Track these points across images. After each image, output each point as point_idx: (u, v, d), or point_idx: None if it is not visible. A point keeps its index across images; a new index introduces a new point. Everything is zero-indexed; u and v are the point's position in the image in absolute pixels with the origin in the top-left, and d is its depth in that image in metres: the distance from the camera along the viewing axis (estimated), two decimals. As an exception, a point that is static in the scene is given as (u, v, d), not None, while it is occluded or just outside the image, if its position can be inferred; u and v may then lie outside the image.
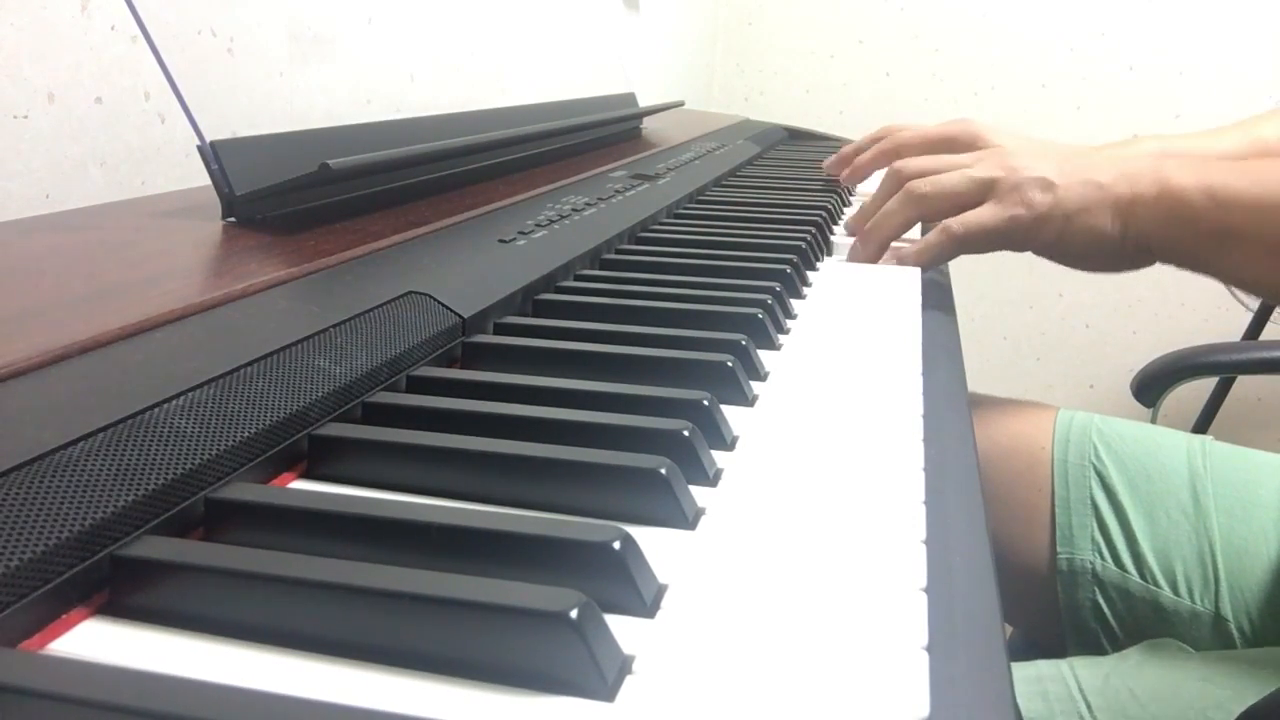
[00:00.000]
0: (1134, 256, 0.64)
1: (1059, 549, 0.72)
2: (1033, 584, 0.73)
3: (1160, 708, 0.58)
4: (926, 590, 0.27)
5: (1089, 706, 0.59)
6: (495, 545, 0.26)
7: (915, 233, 0.79)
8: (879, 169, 0.87)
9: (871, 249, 0.69)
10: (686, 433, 0.33)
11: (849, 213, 0.88)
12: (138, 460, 0.27)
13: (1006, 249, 0.66)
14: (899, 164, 0.70)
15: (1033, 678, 0.62)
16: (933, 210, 0.67)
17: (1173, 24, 2.16)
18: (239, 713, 0.20)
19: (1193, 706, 0.57)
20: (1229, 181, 0.59)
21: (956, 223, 0.64)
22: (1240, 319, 1.93)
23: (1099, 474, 0.72)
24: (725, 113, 1.65)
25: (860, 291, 0.61)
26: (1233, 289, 0.71)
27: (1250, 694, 0.55)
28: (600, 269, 0.61)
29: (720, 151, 1.10)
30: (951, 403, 0.43)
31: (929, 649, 0.24)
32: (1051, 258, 0.67)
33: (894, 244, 0.69)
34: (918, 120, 0.91)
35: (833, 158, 0.96)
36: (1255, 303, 1.85)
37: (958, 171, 0.66)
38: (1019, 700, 0.59)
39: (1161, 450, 0.73)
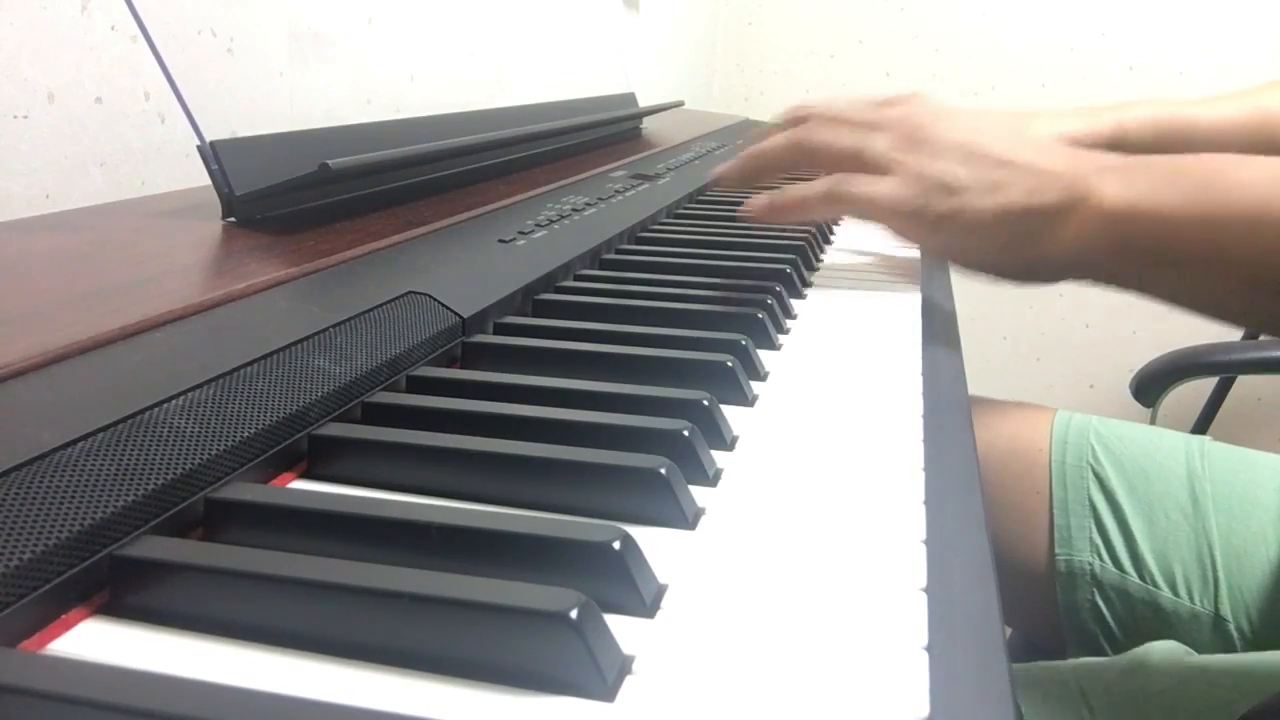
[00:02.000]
0: (1045, 272, 0.56)
1: (1057, 550, 0.72)
2: (1031, 586, 0.73)
3: (1162, 710, 0.58)
4: (926, 590, 0.27)
5: (1090, 709, 0.59)
6: (495, 545, 0.26)
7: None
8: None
9: (732, 178, 0.65)
10: (686, 433, 0.33)
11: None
12: (138, 460, 0.27)
13: (896, 234, 0.59)
14: (798, 108, 0.66)
15: (1034, 680, 0.62)
16: (812, 162, 0.61)
17: (1173, 24, 2.16)
18: (239, 713, 0.20)
19: (1194, 709, 0.57)
20: (1163, 198, 0.50)
21: (851, 181, 0.58)
22: (1240, 319, 1.93)
23: (1097, 475, 0.72)
24: (725, 113, 1.65)
25: (860, 291, 0.61)
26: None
27: (1252, 696, 0.55)
28: (600, 269, 0.61)
29: (720, 151, 1.10)
30: (951, 403, 0.43)
31: (929, 649, 0.24)
32: (940, 258, 0.63)
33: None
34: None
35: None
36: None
37: (852, 133, 0.59)
38: (1020, 703, 0.59)
39: (1160, 451, 0.73)
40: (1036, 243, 0.54)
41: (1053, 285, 0.58)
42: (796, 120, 0.66)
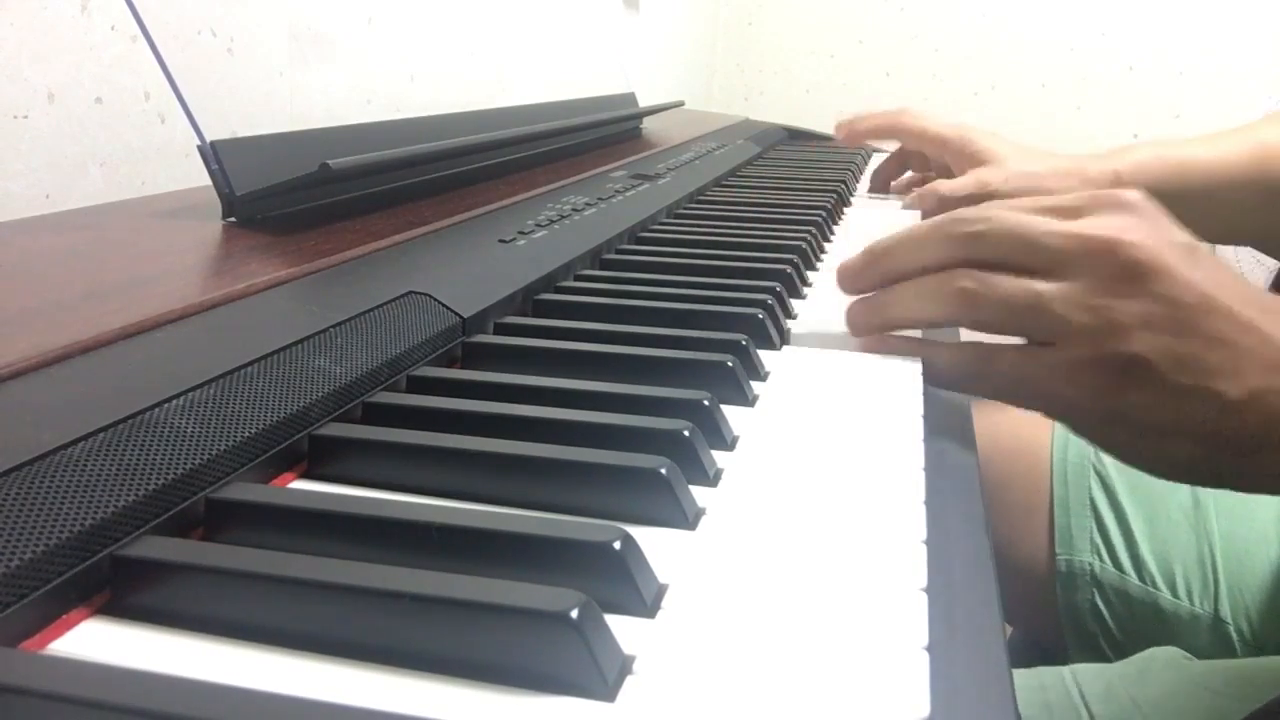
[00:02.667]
0: (1234, 485, 0.44)
1: (1058, 550, 0.72)
2: (1031, 586, 0.73)
3: (1163, 716, 0.58)
4: (926, 590, 0.27)
5: (1091, 715, 0.59)
6: (495, 545, 0.26)
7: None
8: (875, 139, 0.86)
9: (876, 323, 0.47)
10: (686, 433, 0.33)
11: (849, 213, 0.88)
12: (138, 460, 0.27)
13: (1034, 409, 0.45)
14: (961, 213, 0.44)
15: (1035, 685, 0.62)
16: (969, 319, 0.44)
17: (1173, 24, 2.16)
18: (239, 713, 0.20)
19: (1196, 716, 0.57)
20: None
21: (1009, 363, 0.43)
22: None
23: (1098, 475, 0.72)
24: (725, 113, 1.65)
25: (860, 291, 0.61)
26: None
27: (1252, 702, 0.55)
28: (600, 269, 0.61)
29: (720, 151, 1.10)
30: (952, 403, 0.43)
31: (929, 649, 0.24)
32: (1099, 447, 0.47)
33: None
34: (918, 121, 0.90)
35: (846, 118, 0.91)
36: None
37: (1027, 288, 0.41)
38: (1021, 708, 0.59)
39: None
40: (1237, 461, 0.42)
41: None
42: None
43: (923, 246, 0.45)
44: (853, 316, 0.47)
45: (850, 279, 0.48)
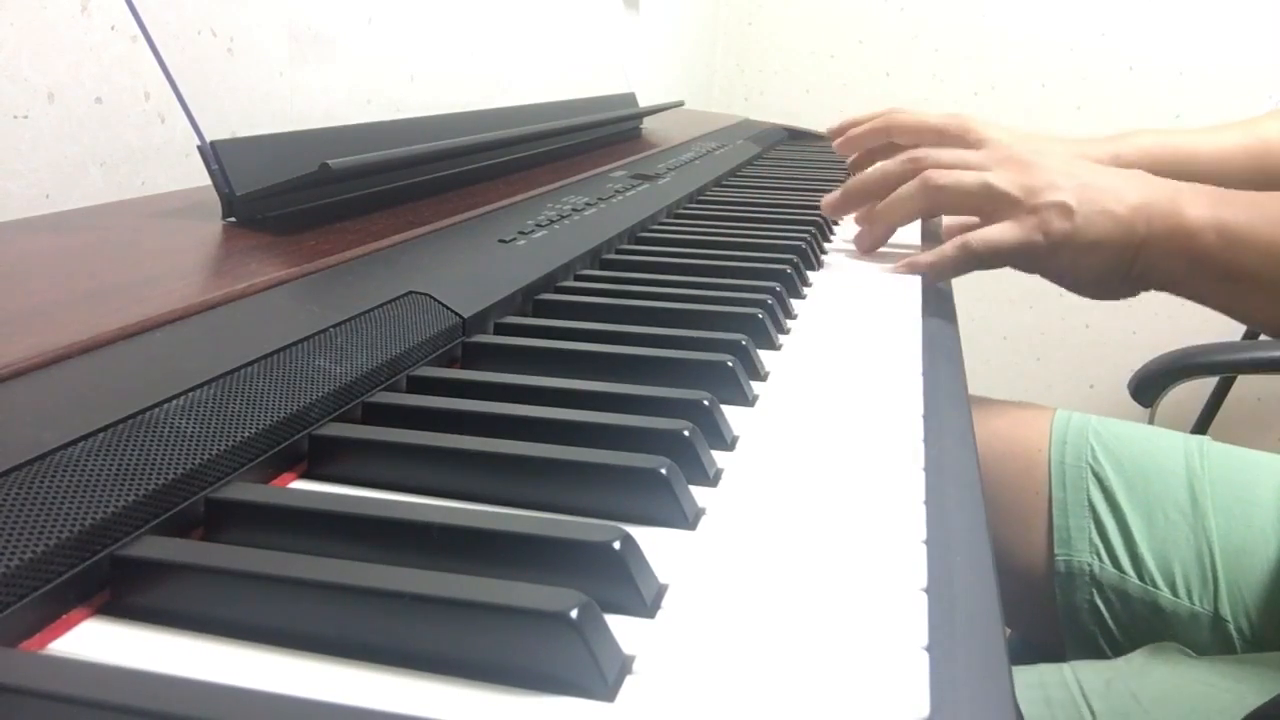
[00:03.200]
0: (1132, 286, 0.63)
1: (1056, 551, 0.72)
2: (1030, 587, 0.73)
3: (1163, 712, 0.58)
4: (926, 590, 0.27)
5: (1092, 711, 0.59)
6: (495, 545, 0.26)
7: (906, 236, 0.79)
8: (872, 144, 0.87)
9: (880, 231, 0.69)
10: (686, 433, 0.33)
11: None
12: (138, 460, 0.27)
13: (1014, 267, 0.65)
14: (919, 152, 0.69)
15: (1035, 682, 0.62)
16: (944, 207, 0.66)
17: (1173, 24, 2.16)
18: (239, 713, 0.20)
19: (1196, 711, 0.57)
20: (1242, 221, 0.58)
21: (976, 239, 0.63)
22: (1240, 319, 1.93)
23: (1096, 475, 0.72)
24: (725, 113, 1.65)
25: (860, 291, 0.61)
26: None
27: (1253, 699, 0.55)
28: (600, 269, 0.61)
29: (720, 151, 1.10)
30: (951, 403, 0.43)
31: (929, 649, 0.24)
32: (1054, 280, 0.66)
33: (908, 254, 0.68)
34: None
35: (836, 126, 0.94)
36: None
37: (975, 174, 0.64)
38: (1021, 705, 0.59)
39: (1159, 451, 0.73)
40: (1135, 254, 0.61)
41: (1118, 299, 0.65)
42: (879, 132, 0.74)
43: (888, 173, 0.68)
44: (860, 240, 0.70)
45: (833, 208, 0.73)
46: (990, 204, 0.63)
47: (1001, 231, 0.62)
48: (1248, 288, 0.58)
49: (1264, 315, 0.61)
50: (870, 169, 0.71)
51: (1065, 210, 0.61)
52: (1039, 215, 0.61)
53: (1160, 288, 0.63)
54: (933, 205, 0.66)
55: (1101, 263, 0.62)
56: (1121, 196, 0.61)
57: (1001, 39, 2.24)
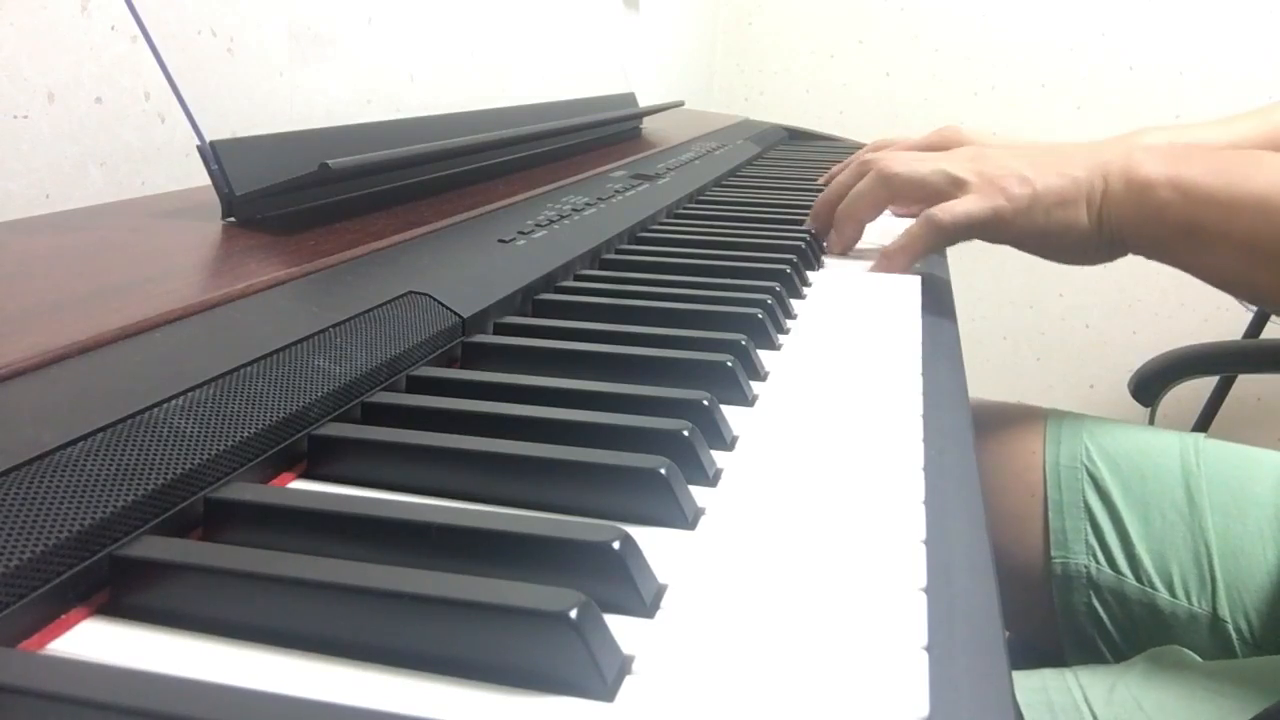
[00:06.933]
0: (1109, 248, 0.64)
1: (1053, 553, 0.72)
2: (1028, 589, 0.73)
3: (1167, 718, 0.58)
4: (926, 590, 0.27)
5: (1095, 717, 0.59)
6: (495, 545, 0.26)
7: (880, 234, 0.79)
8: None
9: (848, 230, 0.71)
10: (686, 433, 0.33)
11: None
12: (138, 460, 0.27)
13: (985, 239, 0.66)
14: (870, 155, 0.72)
15: (1037, 687, 0.62)
16: (902, 194, 0.68)
17: (1173, 24, 2.16)
18: (239, 713, 0.20)
19: (1200, 717, 0.57)
20: (1198, 176, 0.58)
21: (941, 210, 0.64)
22: (1240, 319, 1.93)
23: (1092, 476, 0.72)
24: (725, 113, 1.65)
25: (860, 291, 0.61)
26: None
27: (1257, 704, 0.55)
28: (600, 269, 0.61)
29: (720, 151, 1.10)
30: (951, 403, 0.43)
31: (929, 649, 0.24)
32: (1029, 250, 0.67)
33: (882, 246, 0.69)
34: (918, 120, 0.91)
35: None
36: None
37: (931, 163, 0.67)
38: (1024, 710, 0.59)
39: (1154, 450, 0.73)
40: (1099, 211, 0.62)
41: (1096, 264, 0.67)
42: (864, 167, 0.73)
43: (842, 181, 0.73)
44: (831, 244, 0.73)
45: (815, 220, 0.75)
46: (949, 187, 0.65)
47: (965, 202, 0.64)
48: (1207, 243, 0.59)
49: (1230, 275, 0.60)
50: (831, 184, 0.75)
51: (1023, 179, 0.63)
52: (998, 184, 0.64)
53: (1135, 250, 0.64)
54: (891, 193, 0.68)
55: (1069, 222, 0.63)
56: (1077, 160, 0.63)
57: (1001, 39, 2.24)
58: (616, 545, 0.26)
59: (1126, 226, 0.62)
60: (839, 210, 0.71)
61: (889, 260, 0.67)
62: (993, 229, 0.65)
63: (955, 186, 0.65)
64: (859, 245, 0.73)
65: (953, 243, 0.66)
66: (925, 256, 0.68)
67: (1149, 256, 0.63)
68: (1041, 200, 0.63)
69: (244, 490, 0.29)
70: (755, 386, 0.42)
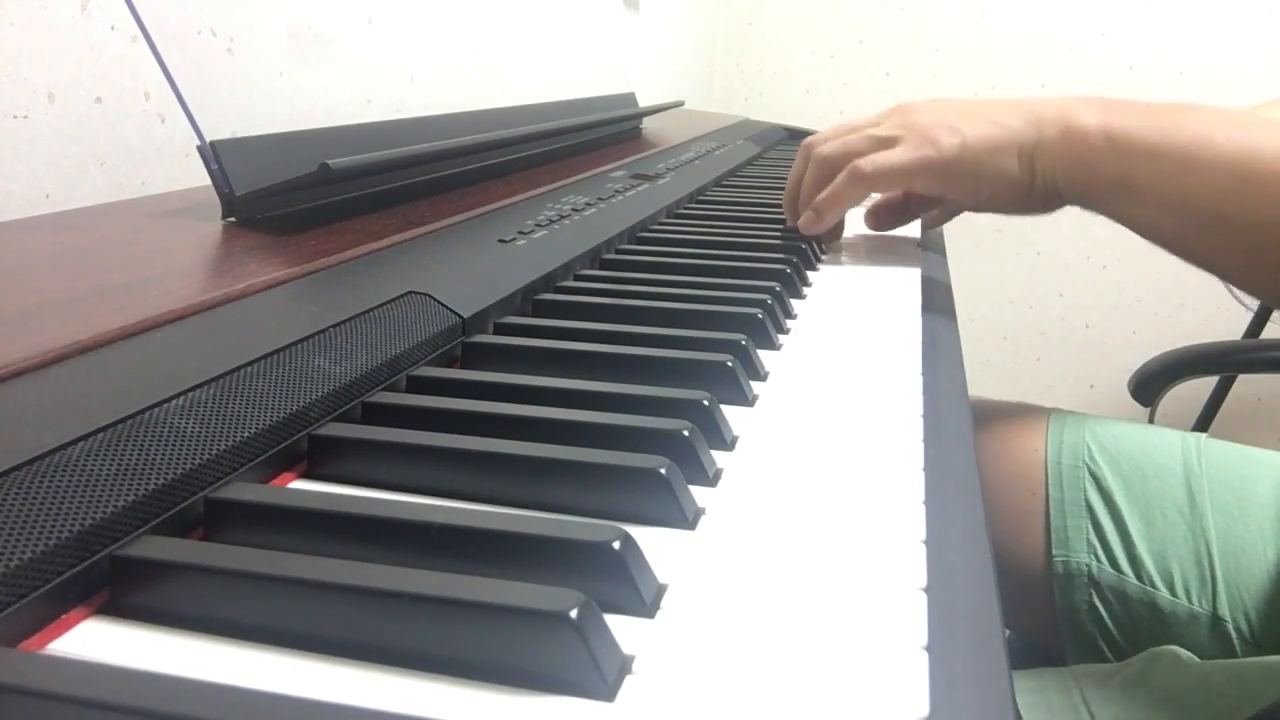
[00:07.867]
0: (1044, 199, 0.64)
1: (1054, 552, 0.72)
2: (1028, 588, 0.73)
3: (1165, 717, 0.57)
4: (926, 590, 0.27)
5: (1092, 716, 0.59)
6: (495, 545, 0.26)
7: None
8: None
9: (810, 218, 0.70)
10: (686, 433, 0.33)
11: (849, 213, 0.88)
12: (138, 460, 0.27)
13: (919, 190, 0.67)
14: (805, 141, 0.72)
15: (1036, 687, 0.62)
16: (840, 168, 0.68)
17: (1173, 24, 2.16)
18: (239, 713, 0.20)
19: (1199, 716, 0.57)
20: (1130, 126, 0.58)
21: (865, 161, 0.65)
22: (1240, 319, 1.93)
23: (1093, 475, 0.72)
24: (725, 113, 1.65)
25: (860, 291, 0.61)
26: (1230, 288, 0.68)
27: (1255, 703, 0.55)
28: (600, 269, 0.61)
29: (720, 151, 1.10)
30: (951, 403, 0.43)
31: (929, 649, 0.24)
32: (966, 203, 0.68)
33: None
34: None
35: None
36: (1255, 302, 1.85)
37: (860, 131, 0.68)
38: (1022, 710, 0.59)
39: (1156, 449, 0.73)
40: (1032, 160, 0.62)
41: (1034, 215, 0.66)
42: (804, 154, 0.73)
43: (794, 173, 0.73)
44: (806, 233, 0.71)
45: (789, 218, 0.74)
46: (879, 148, 0.66)
47: (892, 154, 0.65)
48: (1138, 196, 0.58)
49: (1164, 233, 0.60)
50: (789, 186, 0.75)
51: (952, 129, 0.63)
52: (927, 135, 0.64)
53: (1071, 200, 0.63)
54: (831, 171, 0.68)
55: (999, 169, 0.62)
56: (1011, 110, 0.63)
57: (1001, 39, 2.24)
58: (617, 545, 0.26)
59: (1059, 176, 0.61)
60: (799, 204, 0.72)
61: (817, 214, 0.68)
62: (923, 178, 0.65)
63: (885, 146, 0.65)
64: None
65: (883, 190, 0.67)
66: (852, 207, 0.69)
67: (1085, 207, 0.63)
68: (971, 149, 0.62)
69: (244, 490, 0.29)
70: (755, 386, 0.42)
